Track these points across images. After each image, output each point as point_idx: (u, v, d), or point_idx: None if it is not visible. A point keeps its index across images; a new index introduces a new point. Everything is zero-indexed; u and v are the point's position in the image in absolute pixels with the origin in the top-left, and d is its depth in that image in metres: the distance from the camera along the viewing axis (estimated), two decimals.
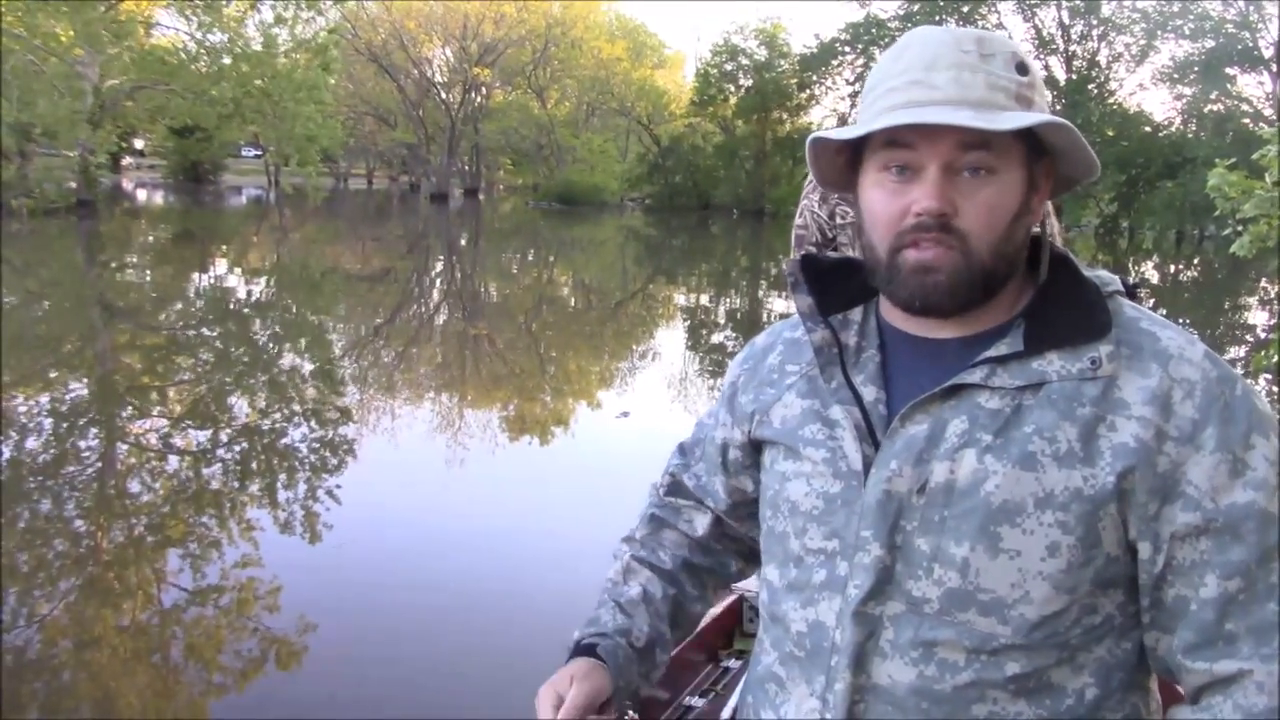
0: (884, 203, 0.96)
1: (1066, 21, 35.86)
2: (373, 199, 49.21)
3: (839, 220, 2.58)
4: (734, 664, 2.42)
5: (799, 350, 1.10)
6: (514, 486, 5.97)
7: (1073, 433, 0.92)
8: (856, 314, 1.07)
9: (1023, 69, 0.95)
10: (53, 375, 8.51)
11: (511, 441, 7.24)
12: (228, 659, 3.76)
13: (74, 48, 23.84)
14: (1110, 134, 33.87)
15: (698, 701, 2.25)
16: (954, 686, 0.93)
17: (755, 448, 1.13)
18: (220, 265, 18.80)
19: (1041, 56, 36.58)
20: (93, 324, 11.47)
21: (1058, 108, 35.48)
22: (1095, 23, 35.22)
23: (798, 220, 2.64)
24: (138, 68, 25.10)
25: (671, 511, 1.26)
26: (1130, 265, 26.48)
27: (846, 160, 1.03)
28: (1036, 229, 1.02)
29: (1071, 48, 36.08)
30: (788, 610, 1.03)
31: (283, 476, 6.06)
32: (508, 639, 3.88)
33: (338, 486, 5.77)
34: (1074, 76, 35.60)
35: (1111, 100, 35.44)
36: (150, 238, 23.78)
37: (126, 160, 59.74)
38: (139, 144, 52.13)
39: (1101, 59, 36.00)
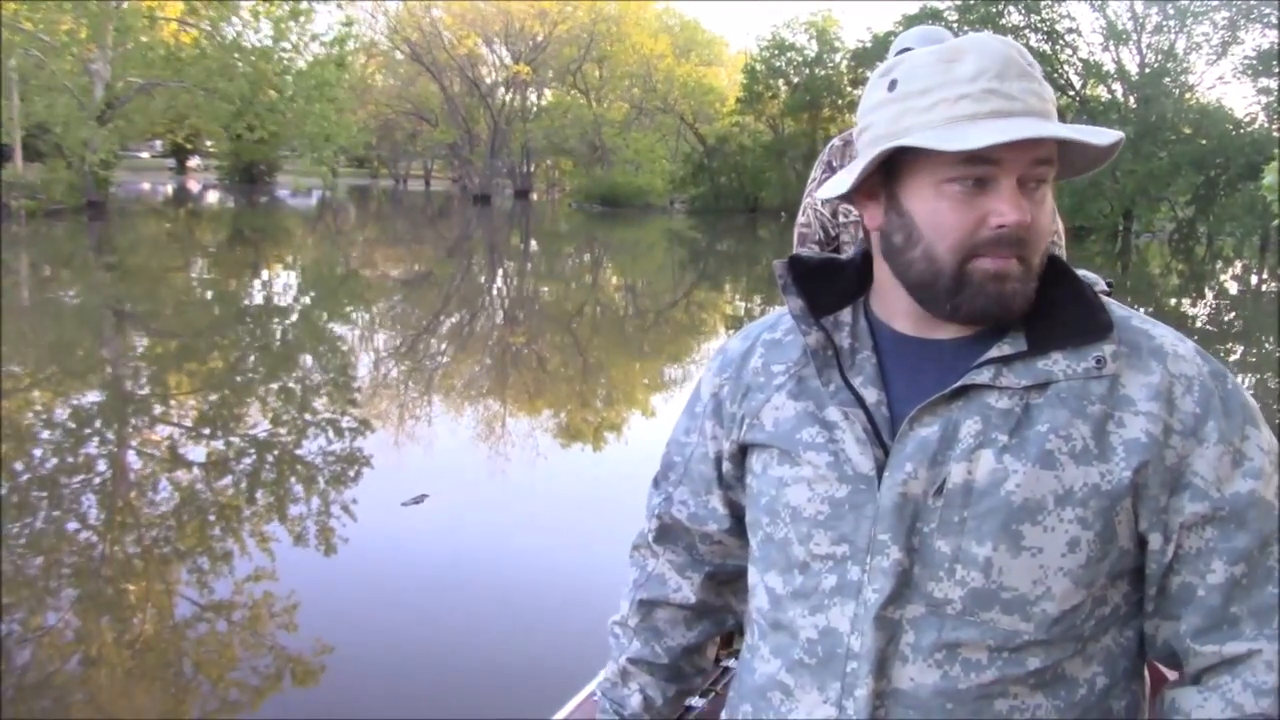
0: (956, 214, 0.95)
1: (1140, 11, 33.32)
2: (430, 201, 48.85)
3: (841, 218, 2.60)
4: (734, 664, 2.50)
5: (782, 350, 1.08)
6: (542, 502, 5.85)
7: (1085, 430, 0.94)
8: (847, 315, 1.06)
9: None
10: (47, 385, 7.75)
11: (545, 455, 7.04)
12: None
13: (87, 43, 23.43)
14: (1187, 131, 31.37)
15: (697, 701, 2.32)
16: (978, 685, 0.95)
17: (744, 453, 1.11)
18: (219, 269, 18.06)
19: (1112, 49, 34.13)
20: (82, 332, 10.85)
21: (1129, 101, 33.06)
22: (1172, 11, 32.59)
23: (801, 218, 2.60)
24: (146, 64, 24.56)
25: (658, 585, 1.22)
26: (1210, 274, 24.24)
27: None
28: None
29: (1146, 39, 33.49)
30: (794, 617, 1.02)
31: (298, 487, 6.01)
32: (528, 651, 3.83)
33: (354, 501, 5.66)
34: (1148, 70, 33.04)
35: (1189, 95, 32.80)
36: (152, 241, 23.22)
37: (194, 161, 60.71)
38: (209, 144, 52.59)
39: (1178, 50, 33.35)
